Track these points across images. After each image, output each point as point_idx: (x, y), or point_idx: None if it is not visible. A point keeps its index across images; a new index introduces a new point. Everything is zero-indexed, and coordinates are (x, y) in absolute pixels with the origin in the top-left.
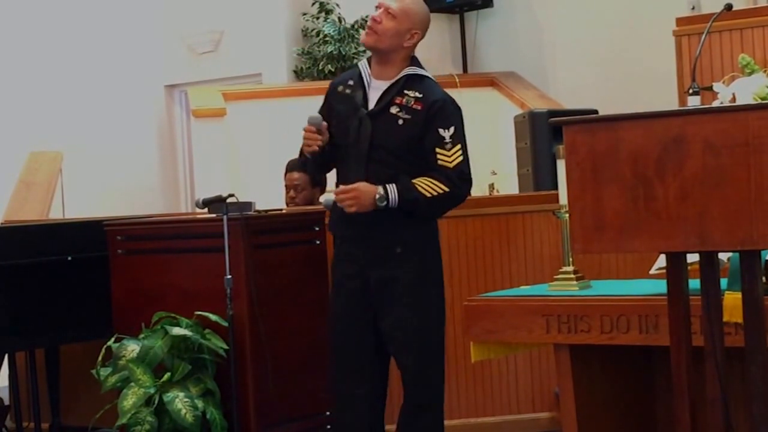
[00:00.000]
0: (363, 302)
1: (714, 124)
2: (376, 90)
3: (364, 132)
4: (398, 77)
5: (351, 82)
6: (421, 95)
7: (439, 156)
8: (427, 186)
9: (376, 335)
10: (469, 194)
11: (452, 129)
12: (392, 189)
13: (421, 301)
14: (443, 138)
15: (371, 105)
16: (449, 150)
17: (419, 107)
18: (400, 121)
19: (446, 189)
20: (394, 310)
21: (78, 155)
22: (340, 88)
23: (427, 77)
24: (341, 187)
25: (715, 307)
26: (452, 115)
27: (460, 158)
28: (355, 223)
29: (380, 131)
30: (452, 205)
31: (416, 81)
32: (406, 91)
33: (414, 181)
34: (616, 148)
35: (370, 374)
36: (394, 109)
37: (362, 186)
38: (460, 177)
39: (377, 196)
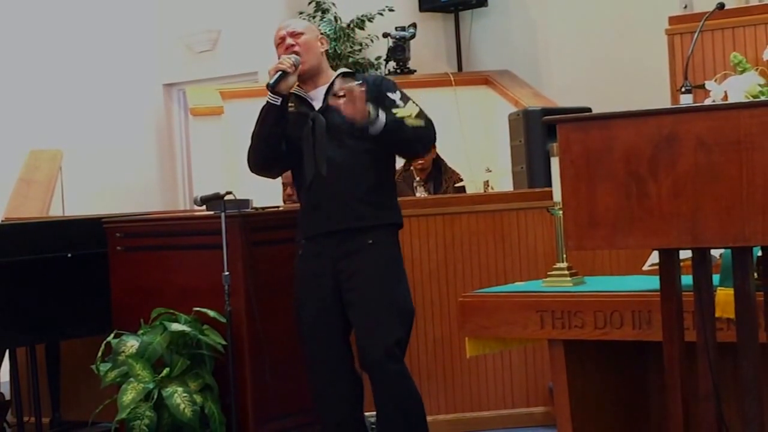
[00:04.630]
0: (336, 298)
1: (706, 122)
2: (316, 100)
3: (319, 127)
4: (333, 77)
5: (291, 104)
6: (359, 81)
7: (396, 112)
8: (407, 116)
9: (347, 327)
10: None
11: (398, 92)
12: (379, 109)
13: (392, 288)
14: (394, 100)
15: (317, 109)
16: (404, 106)
17: (363, 88)
18: None
19: (422, 123)
20: (366, 300)
21: (77, 153)
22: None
23: (356, 72)
24: (348, 86)
25: (707, 303)
26: (393, 83)
27: (417, 108)
28: (330, 222)
29: (335, 120)
30: (426, 138)
31: (349, 76)
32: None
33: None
34: (609, 146)
35: (344, 364)
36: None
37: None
38: (427, 118)
39: (369, 107)
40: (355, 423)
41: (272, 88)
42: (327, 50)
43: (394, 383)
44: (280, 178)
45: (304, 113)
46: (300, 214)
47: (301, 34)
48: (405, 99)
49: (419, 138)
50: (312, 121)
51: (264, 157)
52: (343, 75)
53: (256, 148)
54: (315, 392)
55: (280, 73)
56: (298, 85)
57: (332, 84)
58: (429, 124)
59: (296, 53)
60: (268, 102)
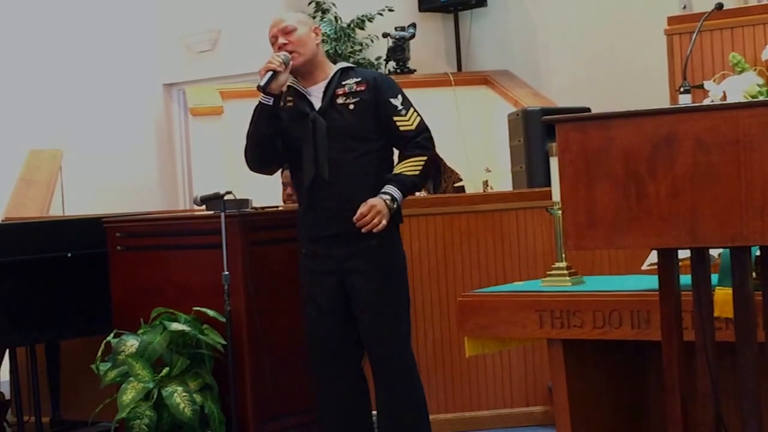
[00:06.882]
0: (341, 296)
1: (705, 122)
2: (315, 96)
3: (320, 129)
4: (332, 74)
5: (290, 98)
6: (359, 78)
7: (398, 123)
8: (411, 167)
9: (352, 324)
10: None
11: (399, 96)
12: (393, 189)
13: (394, 287)
14: (396, 106)
15: (317, 108)
16: (406, 115)
17: (363, 87)
18: (351, 106)
19: (425, 157)
20: (371, 299)
21: (77, 153)
22: (281, 104)
23: (356, 66)
24: (359, 213)
25: (706, 303)
26: (394, 84)
27: (418, 118)
28: (333, 224)
29: (336, 122)
30: (431, 167)
31: (349, 72)
32: (344, 82)
33: (398, 170)
34: (608, 145)
35: (352, 365)
36: (340, 100)
37: (374, 201)
38: (425, 138)
39: (388, 202)
40: (358, 421)
41: (263, 89)
42: (320, 41)
43: (401, 382)
44: (280, 178)
45: (303, 111)
46: (301, 213)
47: (293, 30)
48: (407, 105)
49: (427, 174)
50: (312, 123)
51: (260, 156)
52: (343, 70)
53: (251, 148)
54: (318, 389)
55: (270, 73)
56: (296, 78)
57: (331, 81)
58: (426, 150)
59: (290, 52)
60: (260, 102)
